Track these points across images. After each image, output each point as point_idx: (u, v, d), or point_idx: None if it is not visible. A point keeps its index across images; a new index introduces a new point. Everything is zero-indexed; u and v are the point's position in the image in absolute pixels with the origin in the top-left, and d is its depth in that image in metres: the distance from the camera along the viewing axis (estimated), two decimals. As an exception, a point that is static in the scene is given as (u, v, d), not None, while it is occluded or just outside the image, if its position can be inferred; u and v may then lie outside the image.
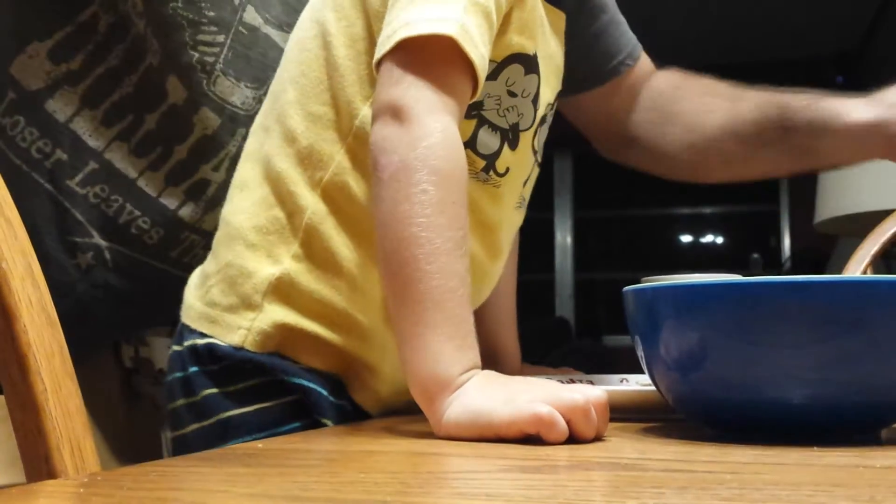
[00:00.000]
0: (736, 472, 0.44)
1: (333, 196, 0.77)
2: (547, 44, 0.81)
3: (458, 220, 0.65)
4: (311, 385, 0.78)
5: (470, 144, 0.77)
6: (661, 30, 3.88)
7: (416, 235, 0.63)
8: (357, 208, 0.77)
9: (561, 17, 0.85)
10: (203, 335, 0.79)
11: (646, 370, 0.61)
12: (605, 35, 0.99)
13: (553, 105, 0.86)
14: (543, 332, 4.00)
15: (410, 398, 0.68)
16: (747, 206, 5.07)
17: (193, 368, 0.79)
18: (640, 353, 0.60)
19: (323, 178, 0.78)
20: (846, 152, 0.93)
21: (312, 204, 0.78)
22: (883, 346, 0.52)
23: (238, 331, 0.78)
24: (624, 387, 0.79)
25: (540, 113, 0.82)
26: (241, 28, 0.92)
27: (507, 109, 0.78)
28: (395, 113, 0.66)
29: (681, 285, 0.56)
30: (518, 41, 0.76)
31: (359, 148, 0.77)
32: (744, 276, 0.58)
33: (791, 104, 0.93)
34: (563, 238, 5.12)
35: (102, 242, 0.96)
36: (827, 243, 3.30)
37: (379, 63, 0.69)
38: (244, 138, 0.94)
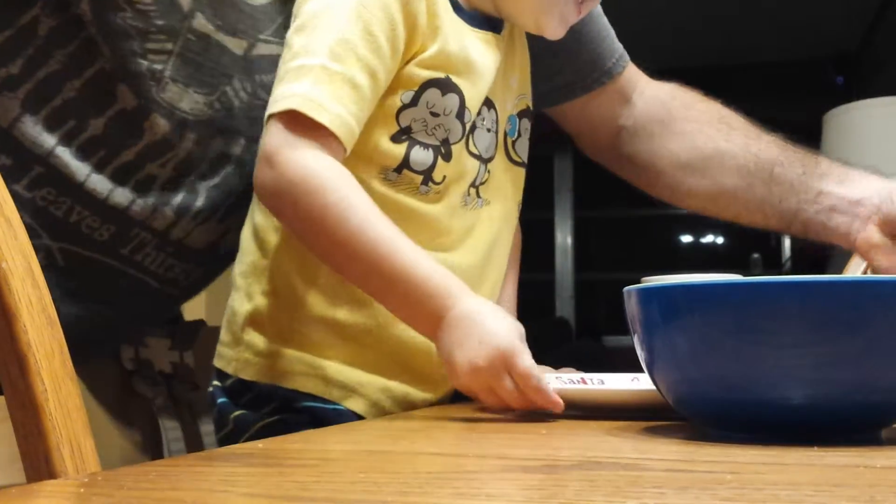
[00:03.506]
0: (736, 472, 0.44)
1: (290, 237, 0.85)
2: (472, 65, 0.86)
3: (351, 210, 0.75)
4: (317, 405, 0.84)
5: (405, 165, 0.84)
6: (660, 30, 3.88)
7: (325, 242, 0.77)
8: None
9: (496, 37, 0.90)
10: (218, 371, 0.90)
11: (646, 370, 0.61)
12: (589, 45, 1.05)
13: (507, 111, 0.93)
14: (543, 332, 4.00)
15: (399, 405, 0.84)
16: (748, 206, 5.05)
17: (221, 400, 0.89)
18: (641, 353, 0.60)
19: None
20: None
21: (274, 245, 0.87)
22: (883, 346, 0.52)
23: (230, 362, 0.88)
24: (625, 386, 0.79)
25: (469, 125, 0.86)
26: (189, 35, 0.90)
27: (435, 128, 0.84)
28: (266, 160, 0.77)
29: (681, 285, 0.56)
30: (424, 72, 0.83)
31: None
32: (744, 276, 0.58)
33: (784, 180, 1.04)
34: (564, 238, 5.11)
35: (52, 243, 0.95)
36: (827, 243, 3.30)
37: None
38: (194, 142, 0.93)
